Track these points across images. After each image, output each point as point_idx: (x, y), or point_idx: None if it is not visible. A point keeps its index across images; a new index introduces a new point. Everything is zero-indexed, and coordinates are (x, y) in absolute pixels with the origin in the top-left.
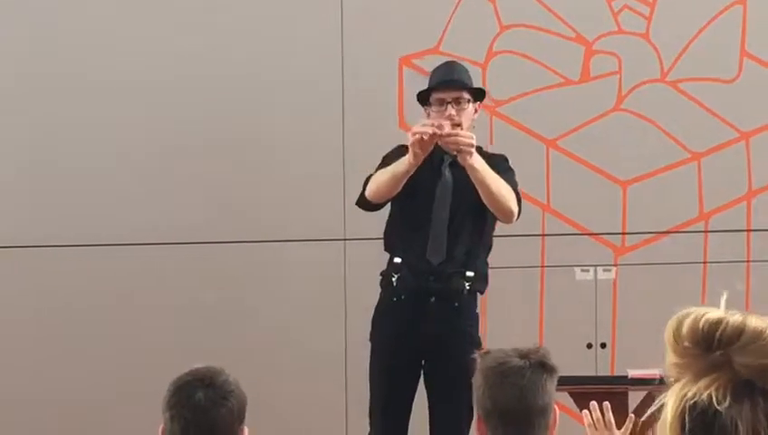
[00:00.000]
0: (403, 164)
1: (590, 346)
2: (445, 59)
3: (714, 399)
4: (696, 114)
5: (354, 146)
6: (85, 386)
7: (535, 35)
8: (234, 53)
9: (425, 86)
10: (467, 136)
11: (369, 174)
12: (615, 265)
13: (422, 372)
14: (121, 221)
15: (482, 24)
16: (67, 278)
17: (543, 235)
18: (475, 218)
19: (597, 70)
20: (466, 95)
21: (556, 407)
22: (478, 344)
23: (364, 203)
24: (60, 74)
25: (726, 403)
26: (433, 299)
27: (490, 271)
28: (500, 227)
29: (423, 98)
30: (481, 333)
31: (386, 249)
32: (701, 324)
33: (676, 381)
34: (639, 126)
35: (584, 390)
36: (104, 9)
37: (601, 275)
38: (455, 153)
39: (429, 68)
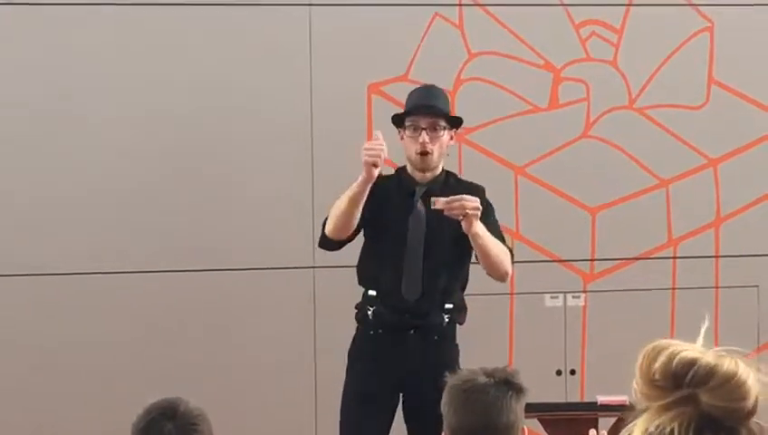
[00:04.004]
0: (357, 184)
1: (559, 373)
2: (412, 87)
3: (676, 433)
4: (664, 141)
5: (323, 172)
6: (50, 415)
7: (503, 63)
8: (200, 80)
9: (393, 112)
10: (473, 200)
11: (326, 216)
12: (584, 291)
13: (400, 404)
14: (92, 249)
15: (450, 52)
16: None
17: (513, 262)
18: (452, 252)
19: (565, 97)
20: (442, 122)
21: (525, 428)
22: None
23: (326, 242)
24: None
25: None
26: (412, 332)
27: None
28: None
29: (398, 120)
30: None
31: (360, 283)
32: (674, 363)
33: (643, 410)
34: (608, 153)
35: (554, 416)
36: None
37: (570, 301)
38: (460, 218)
39: (398, 95)
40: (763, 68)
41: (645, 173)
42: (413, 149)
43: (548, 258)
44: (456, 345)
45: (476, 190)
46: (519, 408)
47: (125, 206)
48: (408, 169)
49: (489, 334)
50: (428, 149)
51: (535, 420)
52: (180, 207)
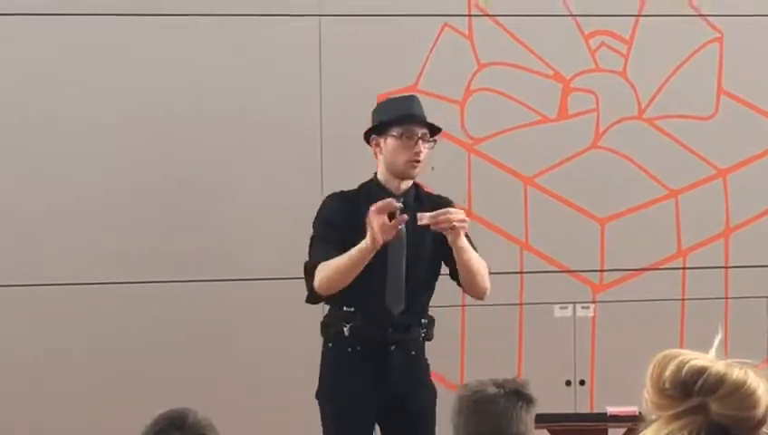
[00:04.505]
0: (362, 251)
1: (568, 383)
2: (423, 97)
3: None
4: (674, 151)
5: (332, 183)
6: (51, 424)
7: (513, 73)
8: (211, 89)
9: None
10: (459, 213)
11: (308, 260)
12: (593, 302)
13: (380, 422)
14: (93, 259)
15: (460, 62)
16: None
17: (522, 272)
18: (431, 265)
19: (574, 107)
20: (429, 134)
21: None
22: (435, 391)
23: (315, 298)
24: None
25: None
26: (393, 348)
27: (468, 308)
28: None
29: (380, 127)
30: (459, 370)
31: (329, 300)
32: (684, 371)
33: (653, 420)
34: (617, 163)
35: (563, 427)
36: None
37: (580, 312)
38: (446, 231)
39: None
40: None
41: (654, 183)
42: (404, 157)
43: (557, 269)
44: (428, 363)
45: (444, 201)
46: (529, 419)
47: (127, 213)
48: (382, 178)
49: (498, 345)
50: (420, 159)
51: (545, 432)
52: (186, 215)
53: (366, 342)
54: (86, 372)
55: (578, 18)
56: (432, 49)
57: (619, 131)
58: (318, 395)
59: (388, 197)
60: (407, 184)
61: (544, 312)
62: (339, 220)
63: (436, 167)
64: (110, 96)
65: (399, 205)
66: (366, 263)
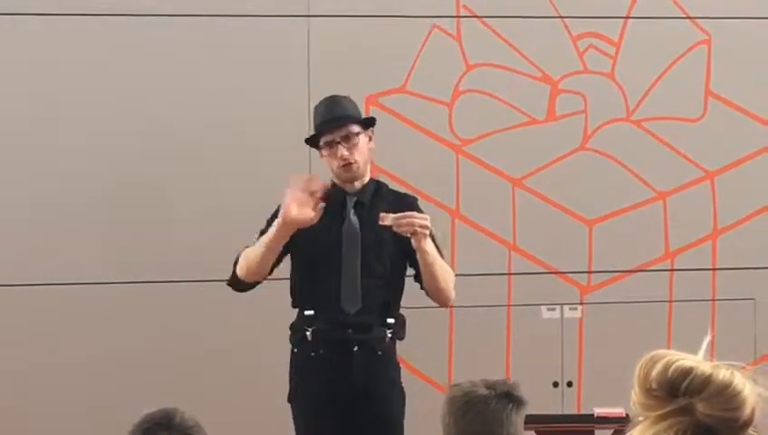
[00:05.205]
0: (276, 227)
1: (556, 385)
2: (411, 99)
3: None
4: (662, 153)
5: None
6: (42, 426)
7: (501, 74)
8: (200, 90)
9: (390, 124)
10: (423, 218)
11: (243, 246)
12: (581, 303)
13: (346, 424)
14: (94, 259)
15: (448, 63)
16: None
17: (509, 273)
18: (393, 263)
19: (562, 109)
20: (355, 128)
21: None
22: (404, 393)
23: (237, 283)
24: None
25: None
26: (356, 349)
27: (456, 309)
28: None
29: (313, 142)
30: (446, 371)
31: (294, 304)
32: (670, 371)
33: (640, 420)
34: (605, 165)
35: (551, 428)
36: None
37: (567, 313)
38: (408, 235)
39: (396, 107)
40: (760, 81)
41: (642, 185)
42: (334, 163)
43: (545, 270)
44: (398, 363)
45: (408, 200)
46: (519, 420)
47: (123, 213)
48: (337, 181)
49: (486, 346)
50: (351, 160)
51: (532, 433)
52: (178, 215)
53: (328, 344)
54: (81, 371)
55: (566, 20)
56: (420, 50)
57: (607, 133)
58: (288, 399)
59: (343, 196)
60: (361, 182)
61: (532, 313)
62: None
63: (424, 168)
64: (106, 96)
65: (327, 184)
66: (282, 241)
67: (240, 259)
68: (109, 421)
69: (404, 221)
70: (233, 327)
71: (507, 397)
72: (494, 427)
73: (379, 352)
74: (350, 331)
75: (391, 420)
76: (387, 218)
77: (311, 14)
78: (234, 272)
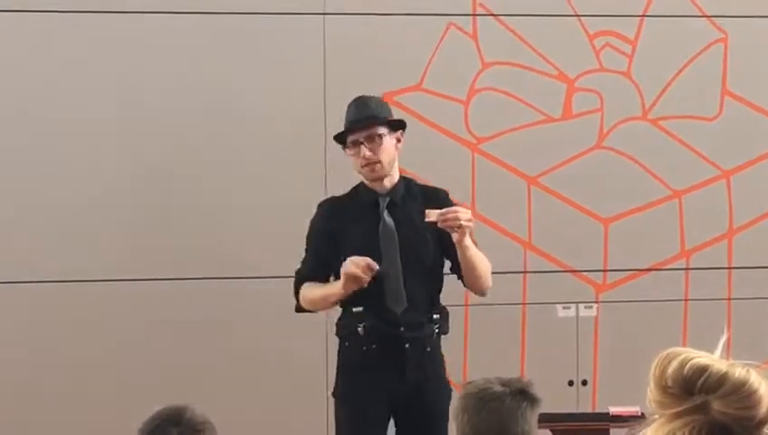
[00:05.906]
0: (334, 293)
1: (571, 383)
2: (427, 97)
3: None
4: (678, 152)
5: (336, 181)
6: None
7: (517, 73)
8: (212, 87)
9: (406, 121)
10: (466, 212)
11: (296, 270)
12: (596, 302)
13: (396, 419)
14: (107, 256)
15: (464, 62)
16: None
17: (525, 272)
18: (430, 258)
19: (579, 107)
20: (381, 129)
21: None
22: (450, 388)
23: (303, 311)
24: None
25: None
26: (408, 345)
27: (471, 308)
28: None
29: (340, 140)
30: (462, 369)
31: (341, 303)
32: (686, 369)
33: (655, 418)
34: (621, 163)
35: (566, 427)
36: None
37: (583, 312)
38: (453, 230)
39: (412, 105)
40: None
41: (658, 184)
42: (359, 164)
43: (560, 269)
44: (443, 358)
45: (441, 194)
46: (533, 418)
47: (127, 211)
48: (367, 182)
49: (501, 344)
50: (374, 160)
51: (547, 431)
52: (188, 213)
53: (381, 339)
54: (84, 368)
55: (582, 18)
56: (436, 48)
57: (623, 132)
58: (334, 393)
59: (375, 197)
60: (390, 181)
61: (547, 311)
62: (325, 227)
63: (439, 166)
64: (113, 94)
65: (377, 267)
66: (337, 300)
67: (301, 294)
68: (109, 421)
69: (451, 216)
70: (236, 325)
71: (522, 394)
72: (508, 424)
73: (428, 349)
74: (401, 328)
75: (440, 416)
76: (432, 215)
77: (326, 11)
78: (298, 302)
